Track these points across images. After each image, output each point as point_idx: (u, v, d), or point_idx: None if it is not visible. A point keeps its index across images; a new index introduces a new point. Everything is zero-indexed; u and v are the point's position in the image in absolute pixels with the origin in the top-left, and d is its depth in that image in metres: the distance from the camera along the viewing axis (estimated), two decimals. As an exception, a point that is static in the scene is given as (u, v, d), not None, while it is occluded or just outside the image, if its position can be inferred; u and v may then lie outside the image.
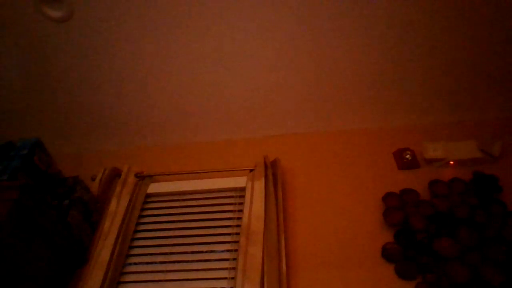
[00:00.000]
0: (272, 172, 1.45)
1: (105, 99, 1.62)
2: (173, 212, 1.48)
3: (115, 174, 1.61)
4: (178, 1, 1.30)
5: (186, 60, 1.47)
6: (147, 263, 1.34)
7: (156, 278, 1.30)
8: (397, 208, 1.34)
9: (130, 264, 1.35)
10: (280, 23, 1.35)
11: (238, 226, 1.37)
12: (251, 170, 1.50)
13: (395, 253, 1.24)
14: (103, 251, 1.30)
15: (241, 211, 1.40)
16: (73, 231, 1.31)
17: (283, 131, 1.72)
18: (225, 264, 1.30)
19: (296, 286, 1.23)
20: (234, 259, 1.29)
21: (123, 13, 1.34)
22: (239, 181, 1.50)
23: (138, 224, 1.45)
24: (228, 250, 1.33)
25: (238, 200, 1.46)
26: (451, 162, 1.45)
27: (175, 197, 1.52)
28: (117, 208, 1.43)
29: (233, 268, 1.27)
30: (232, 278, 1.26)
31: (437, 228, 1.26)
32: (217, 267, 1.30)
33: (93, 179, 1.55)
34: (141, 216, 1.47)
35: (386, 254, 1.24)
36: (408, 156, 1.49)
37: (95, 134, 1.77)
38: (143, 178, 1.57)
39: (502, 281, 1.10)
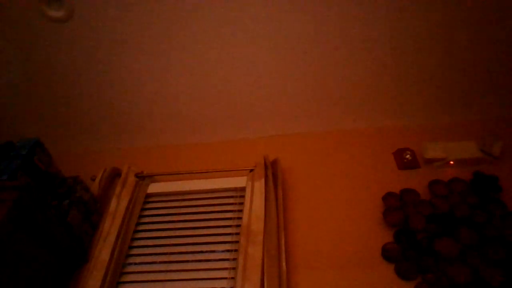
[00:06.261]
0: (272, 172, 1.45)
1: (105, 99, 1.63)
2: (173, 212, 1.48)
3: (115, 174, 1.61)
4: (178, 1, 1.30)
5: (186, 61, 1.47)
6: (147, 263, 1.34)
7: (156, 278, 1.30)
8: (397, 208, 1.34)
9: (130, 264, 1.35)
10: (280, 23, 1.35)
11: (238, 226, 1.37)
12: (251, 170, 1.50)
13: (395, 253, 1.24)
14: (103, 251, 1.30)
15: (241, 211, 1.40)
16: (73, 231, 1.31)
17: (283, 131, 1.72)
18: (225, 264, 1.30)
19: (296, 286, 1.23)
20: (234, 259, 1.29)
21: (123, 13, 1.34)
22: (239, 181, 1.50)
23: (138, 224, 1.45)
24: (228, 250, 1.33)
25: (238, 200, 1.46)
26: (451, 162, 1.45)
27: (175, 197, 1.52)
28: (117, 208, 1.43)
29: (233, 268, 1.27)
30: (232, 278, 1.26)
31: (437, 228, 1.26)
32: (217, 267, 1.30)
33: (93, 179, 1.55)
34: (141, 216, 1.47)
35: (386, 254, 1.25)
36: (408, 156, 1.49)
37: (95, 134, 1.77)
38: (143, 178, 1.57)
39: (502, 281, 1.10)
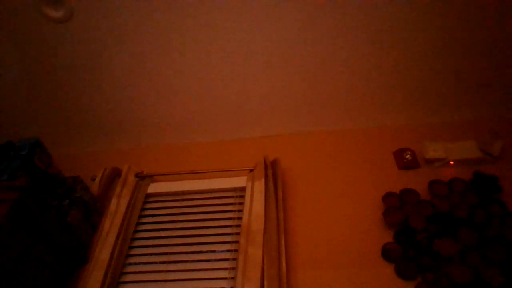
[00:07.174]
0: (272, 172, 1.45)
1: (105, 99, 1.63)
2: (173, 212, 1.48)
3: (115, 174, 1.61)
4: (178, 2, 1.30)
5: (186, 60, 1.47)
6: (147, 263, 1.34)
7: (156, 278, 1.30)
8: (397, 208, 1.34)
9: (130, 264, 1.35)
10: (280, 22, 1.35)
11: (238, 226, 1.37)
12: (251, 170, 1.50)
13: (395, 253, 1.24)
14: (103, 251, 1.30)
15: (241, 211, 1.40)
16: (73, 231, 1.31)
17: (283, 131, 1.72)
18: (225, 264, 1.30)
19: (296, 286, 1.23)
20: (234, 259, 1.29)
21: (124, 13, 1.34)
22: (239, 181, 1.50)
23: (138, 224, 1.45)
24: (228, 250, 1.33)
25: (238, 200, 1.46)
26: (451, 162, 1.45)
27: (175, 197, 1.52)
28: (117, 208, 1.43)
29: (233, 268, 1.27)
30: (232, 278, 1.26)
31: (437, 228, 1.26)
32: (217, 267, 1.30)
33: (93, 179, 1.55)
34: (141, 216, 1.47)
35: (386, 254, 1.25)
36: (408, 156, 1.49)
37: (95, 134, 1.77)
38: (143, 178, 1.57)
39: (502, 282, 1.10)
